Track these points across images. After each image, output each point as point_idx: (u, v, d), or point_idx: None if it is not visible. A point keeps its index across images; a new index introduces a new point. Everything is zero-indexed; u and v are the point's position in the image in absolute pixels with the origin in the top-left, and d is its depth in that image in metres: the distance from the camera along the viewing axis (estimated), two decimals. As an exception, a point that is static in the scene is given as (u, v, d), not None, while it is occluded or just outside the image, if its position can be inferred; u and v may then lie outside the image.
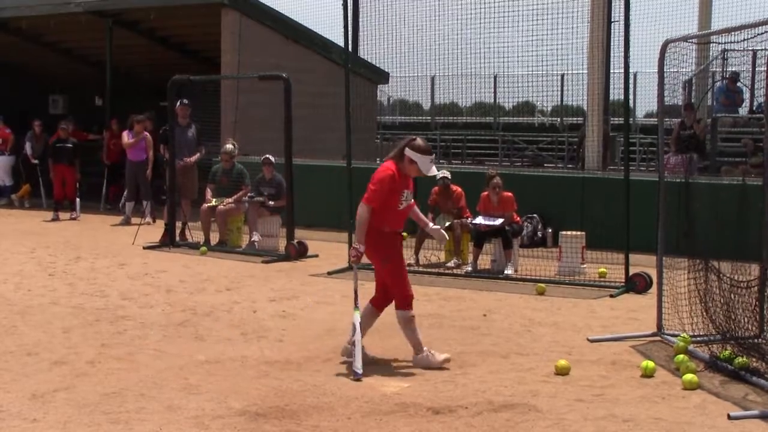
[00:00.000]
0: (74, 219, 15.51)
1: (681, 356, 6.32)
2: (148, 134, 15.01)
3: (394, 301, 6.40)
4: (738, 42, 6.42)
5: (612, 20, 12.86)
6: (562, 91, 21.15)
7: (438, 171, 10.79)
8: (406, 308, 6.32)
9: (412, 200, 6.49)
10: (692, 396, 5.63)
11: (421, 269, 10.57)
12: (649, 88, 20.72)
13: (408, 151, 6.25)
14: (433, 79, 22.64)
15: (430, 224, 6.87)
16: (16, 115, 18.71)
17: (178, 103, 12.87)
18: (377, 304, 6.52)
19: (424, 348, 6.33)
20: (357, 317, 6.33)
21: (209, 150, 13.95)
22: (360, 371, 6.02)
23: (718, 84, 17.03)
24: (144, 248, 12.14)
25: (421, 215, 6.83)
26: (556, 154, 21.00)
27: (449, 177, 11.10)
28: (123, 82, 20.26)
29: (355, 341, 6.20)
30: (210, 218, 12.38)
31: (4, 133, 17.93)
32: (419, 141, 6.32)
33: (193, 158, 12.94)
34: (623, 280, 9.30)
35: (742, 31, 6.21)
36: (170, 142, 12.66)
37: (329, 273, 10.26)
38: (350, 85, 10.86)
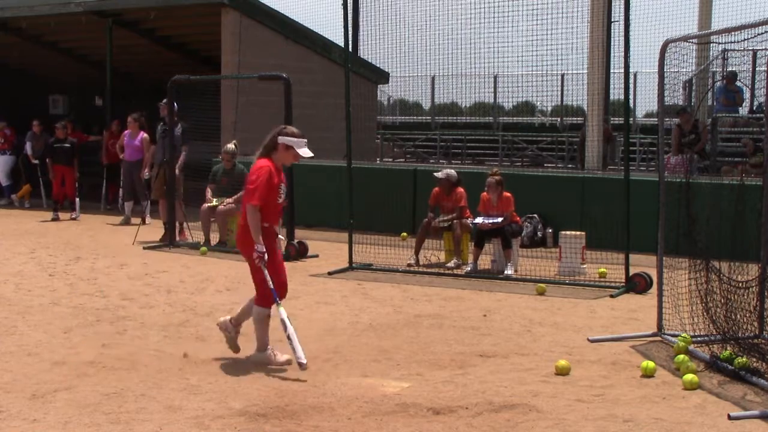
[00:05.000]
0: (74, 219, 15.51)
1: (681, 356, 6.32)
2: (145, 134, 15.01)
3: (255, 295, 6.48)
4: (738, 42, 6.43)
5: (612, 20, 12.88)
6: (562, 91, 21.15)
7: (439, 172, 10.78)
8: (263, 305, 6.43)
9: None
10: (692, 396, 5.63)
11: (421, 269, 10.58)
12: (649, 88, 20.76)
13: (281, 139, 6.38)
14: (433, 79, 22.65)
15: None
16: (17, 116, 18.71)
17: (163, 102, 12.96)
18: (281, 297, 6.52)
19: (269, 347, 6.41)
20: (282, 312, 6.35)
21: (210, 150, 13.98)
22: (304, 360, 6.07)
23: (718, 84, 17.02)
24: (144, 248, 12.14)
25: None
26: (556, 154, 21.00)
27: (454, 175, 11.08)
28: (123, 82, 20.27)
29: (288, 335, 6.22)
30: (210, 218, 12.38)
31: (4, 133, 17.93)
32: (290, 127, 6.54)
33: (178, 164, 12.86)
34: (623, 280, 9.30)
35: (742, 31, 6.21)
36: (169, 142, 12.66)
37: (329, 273, 10.27)
38: (350, 85, 10.86)
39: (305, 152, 6.42)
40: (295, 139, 6.37)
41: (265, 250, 6.26)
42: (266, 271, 6.34)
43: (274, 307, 6.40)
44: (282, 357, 6.37)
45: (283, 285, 6.55)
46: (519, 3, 12.33)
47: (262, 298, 6.43)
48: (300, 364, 6.06)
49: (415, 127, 23.74)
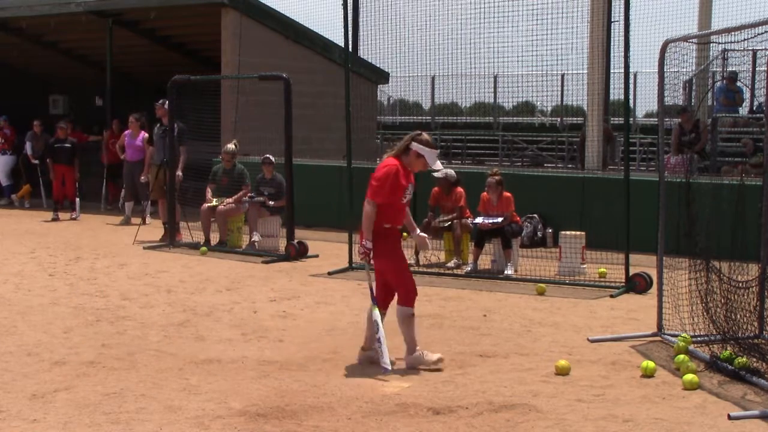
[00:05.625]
0: (74, 219, 15.51)
1: (681, 356, 6.32)
2: (146, 133, 15.01)
3: (396, 297, 6.35)
4: (738, 42, 6.43)
5: (612, 20, 12.88)
6: (562, 91, 21.15)
7: (437, 172, 10.79)
8: (407, 305, 6.28)
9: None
10: (692, 396, 5.63)
11: (421, 269, 10.57)
12: (649, 88, 20.78)
13: (414, 145, 6.30)
14: (433, 79, 22.66)
15: (417, 230, 6.79)
16: (17, 116, 18.71)
17: (158, 103, 13.04)
18: (381, 303, 6.45)
19: (418, 348, 6.29)
20: (376, 313, 6.31)
21: (209, 150, 13.99)
22: (389, 366, 6.05)
23: (718, 84, 17.03)
24: (144, 248, 12.14)
25: (411, 218, 6.76)
26: (556, 154, 21.00)
27: (453, 175, 11.09)
28: (123, 82, 20.26)
29: (379, 337, 6.18)
30: (210, 218, 12.38)
31: (4, 133, 17.93)
32: (425, 135, 6.39)
33: (180, 167, 12.85)
34: (623, 280, 9.30)
35: (742, 31, 6.21)
36: (168, 142, 12.67)
37: (329, 273, 10.27)
38: (350, 85, 10.86)
39: (436, 164, 6.37)
40: (428, 149, 6.30)
41: (371, 246, 6.20)
42: (371, 272, 6.36)
43: (378, 312, 6.36)
44: (433, 356, 6.25)
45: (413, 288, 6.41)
46: (519, 3, 12.34)
47: (404, 297, 6.30)
48: (384, 369, 6.05)
49: (415, 127, 23.65)
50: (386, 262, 6.35)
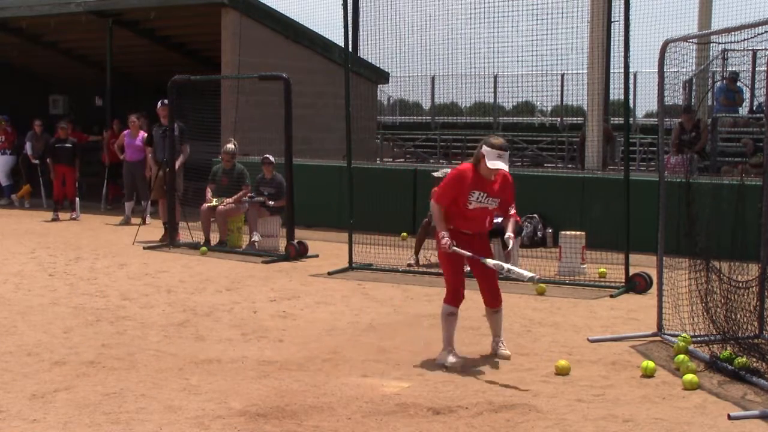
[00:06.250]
0: (74, 219, 15.51)
1: (681, 356, 6.32)
2: (145, 133, 15.02)
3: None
4: (738, 42, 6.43)
5: (612, 20, 12.87)
6: (562, 91, 21.13)
7: (439, 170, 10.82)
8: (447, 303, 6.49)
9: (495, 205, 6.53)
10: (692, 396, 5.63)
11: (421, 269, 10.58)
12: (649, 88, 20.75)
13: (482, 148, 6.33)
14: (433, 79, 22.64)
15: (508, 233, 6.71)
16: (17, 116, 18.71)
17: (159, 104, 13.07)
18: (485, 302, 6.69)
19: (449, 348, 6.41)
20: (490, 261, 6.42)
21: (208, 150, 14.00)
22: (532, 275, 6.27)
23: (718, 84, 17.03)
24: (144, 248, 12.14)
25: (507, 221, 6.75)
26: (556, 154, 20.99)
27: None
28: (123, 82, 20.27)
29: (509, 269, 6.32)
30: (210, 218, 12.38)
31: (6, 131, 17.93)
32: (494, 137, 6.42)
33: (178, 163, 12.86)
34: (623, 280, 9.30)
35: (742, 31, 6.21)
36: (168, 142, 12.67)
37: (329, 273, 10.27)
38: (350, 85, 10.86)
39: (494, 164, 6.26)
40: (489, 150, 6.25)
41: (448, 236, 6.32)
42: (460, 251, 6.44)
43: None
44: (449, 358, 6.32)
45: (485, 291, 6.64)
46: (519, 3, 12.33)
47: (447, 294, 6.51)
48: (531, 278, 6.27)
49: (415, 127, 23.73)
50: (440, 259, 6.62)
